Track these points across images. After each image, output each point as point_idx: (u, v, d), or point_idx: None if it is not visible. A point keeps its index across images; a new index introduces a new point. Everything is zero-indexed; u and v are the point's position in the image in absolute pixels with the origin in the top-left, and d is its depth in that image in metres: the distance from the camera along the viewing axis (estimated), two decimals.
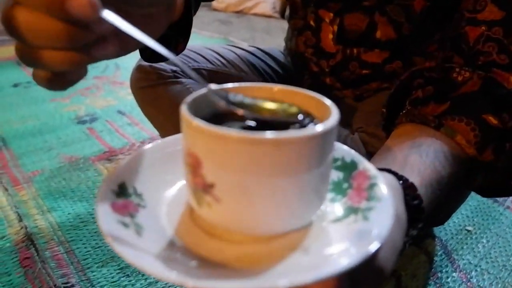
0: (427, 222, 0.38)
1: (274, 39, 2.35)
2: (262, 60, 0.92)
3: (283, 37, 0.87)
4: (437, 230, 0.84)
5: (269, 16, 3.03)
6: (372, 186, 0.29)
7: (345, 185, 0.31)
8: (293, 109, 0.29)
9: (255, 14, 3.10)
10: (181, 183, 0.33)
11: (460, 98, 0.47)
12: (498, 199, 0.95)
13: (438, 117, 0.46)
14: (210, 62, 0.89)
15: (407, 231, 0.34)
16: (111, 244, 0.23)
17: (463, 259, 0.77)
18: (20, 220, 0.85)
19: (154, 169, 0.33)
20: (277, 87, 0.32)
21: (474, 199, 0.94)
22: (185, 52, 0.82)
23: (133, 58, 0.58)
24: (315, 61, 0.76)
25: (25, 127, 1.27)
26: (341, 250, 0.25)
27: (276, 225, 0.26)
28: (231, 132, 0.23)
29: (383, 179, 0.30)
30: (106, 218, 0.25)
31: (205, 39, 2.37)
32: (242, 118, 0.28)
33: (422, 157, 0.41)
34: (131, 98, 0.80)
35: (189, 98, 0.28)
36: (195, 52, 0.88)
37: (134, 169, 0.31)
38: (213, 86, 0.32)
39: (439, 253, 0.79)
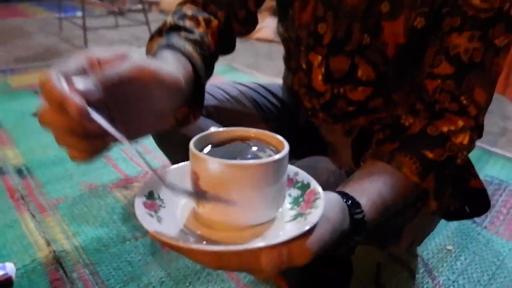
0: (377, 231, 0.51)
1: (276, 64, 2.48)
2: (263, 96, 1.03)
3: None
4: (419, 250, 0.94)
5: (271, 41, 3.17)
6: (315, 199, 0.42)
7: (300, 200, 0.45)
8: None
9: (258, 39, 3.23)
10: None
11: (407, 139, 0.61)
12: (476, 219, 1.04)
13: (390, 153, 0.59)
14: (216, 98, 1.00)
15: (351, 236, 0.47)
16: (143, 224, 0.37)
17: (443, 276, 0.87)
18: (48, 244, 0.96)
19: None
20: (252, 130, 0.46)
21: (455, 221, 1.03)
22: None
23: None
24: (308, 99, 0.87)
25: (47, 156, 1.39)
26: (286, 233, 0.38)
27: (247, 220, 0.40)
28: (216, 159, 0.37)
29: (323, 195, 0.42)
30: (140, 211, 0.39)
31: None
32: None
33: (372, 184, 0.54)
34: None
35: (196, 137, 0.42)
36: None
37: (159, 183, 0.44)
38: (213, 128, 0.45)
39: (421, 271, 0.88)
